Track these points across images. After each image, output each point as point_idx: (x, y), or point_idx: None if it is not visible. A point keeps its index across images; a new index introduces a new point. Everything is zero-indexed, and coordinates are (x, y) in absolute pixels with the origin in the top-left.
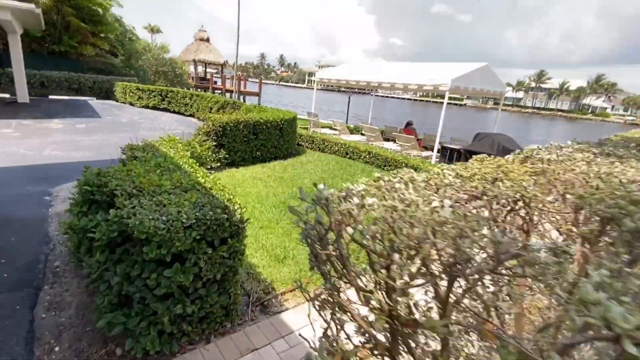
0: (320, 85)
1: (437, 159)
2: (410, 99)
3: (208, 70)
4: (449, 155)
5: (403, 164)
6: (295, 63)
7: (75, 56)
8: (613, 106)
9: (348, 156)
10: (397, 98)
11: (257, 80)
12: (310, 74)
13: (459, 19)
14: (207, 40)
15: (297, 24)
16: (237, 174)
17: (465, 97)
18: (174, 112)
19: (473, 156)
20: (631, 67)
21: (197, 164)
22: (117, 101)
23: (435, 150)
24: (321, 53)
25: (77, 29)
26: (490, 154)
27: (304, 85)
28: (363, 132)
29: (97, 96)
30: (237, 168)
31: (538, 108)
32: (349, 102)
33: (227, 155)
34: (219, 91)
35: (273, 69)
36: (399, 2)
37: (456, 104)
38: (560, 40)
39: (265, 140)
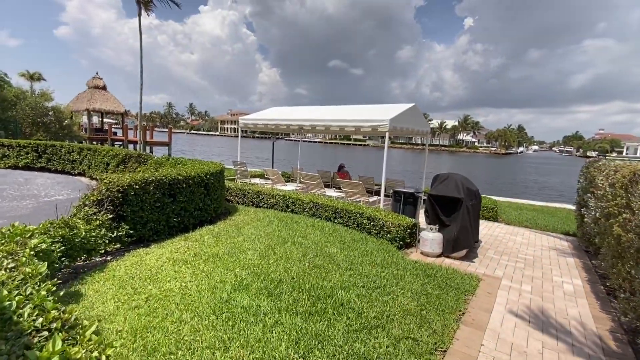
0: (244, 130)
1: (386, 204)
2: (320, 142)
3: (107, 120)
4: (403, 200)
5: (357, 215)
6: (206, 111)
7: None
8: (478, 140)
9: (290, 210)
10: (309, 141)
11: (167, 130)
12: (223, 122)
13: (352, 72)
14: (104, 88)
15: (205, 73)
16: (149, 256)
17: (367, 137)
18: (56, 171)
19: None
20: (482, 109)
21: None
22: None
23: (382, 194)
24: (232, 101)
25: None
26: (458, 197)
27: (217, 133)
28: (302, 180)
29: None
30: (147, 247)
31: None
32: (273, 147)
33: (131, 231)
34: (120, 143)
35: (182, 117)
36: (300, 58)
37: (360, 145)
38: (431, 89)
39: (186, 203)
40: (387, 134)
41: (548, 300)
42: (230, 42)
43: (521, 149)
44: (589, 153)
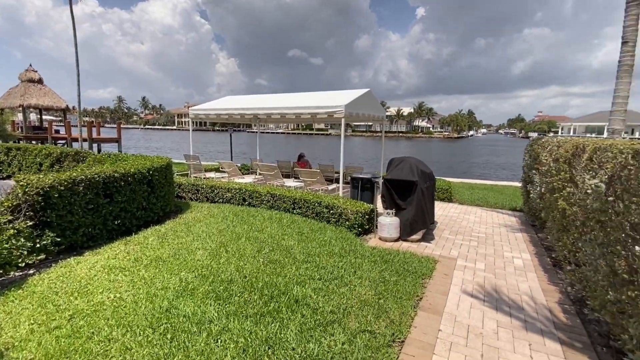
0: (196, 122)
1: (346, 192)
2: (283, 133)
3: (47, 117)
4: (360, 186)
5: (316, 204)
6: (160, 105)
7: None
8: (433, 125)
9: (247, 203)
10: (272, 133)
11: (116, 125)
12: (180, 115)
13: (311, 61)
14: (39, 81)
15: (158, 64)
16: (81, 266)
17: (330, 126)
18: None
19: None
20: (435, 96)
21: None
22: None
23: (341, 182)
24: (189, 94)
25: None
26: (412, 180)
27: (174, 127)
28: (260, 171)
29: None
30: (80, 255)
31: (385, 132)
32: (230, 139)
33: (58, 239)
34: (63, 141)
35: (135, 112)
36: (259, 48)
37: (323, 134)
38: (387, 78)
39: (126, 203)
40: (343, 120)
41: (500, 277)
42: (184, 31)
43: (471, 132)
44: (530, 134)
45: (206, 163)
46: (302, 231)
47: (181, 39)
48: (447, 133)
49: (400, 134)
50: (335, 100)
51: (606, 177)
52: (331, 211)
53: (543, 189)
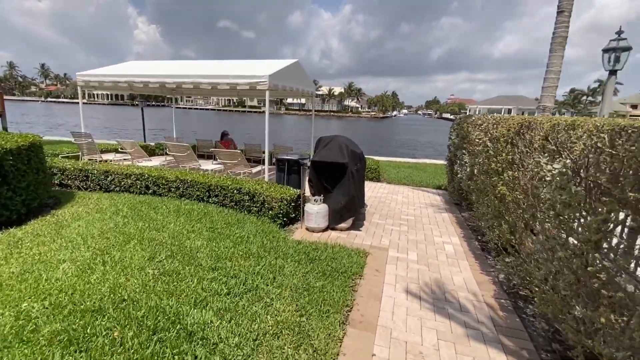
0: (113, 95)
1: (272, 175)
2: (214, 109)
3: None
4: (287, 169)
5: (235, 191)
6: (65, 74)
7: None
8: (361, 105)
9: (151, 191)
10: (201, 109)
11: (14, 97)
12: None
13: (243, 34)
14: None
15: (62, 27)
16: None
17: (262, 103)
18: None
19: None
20: (364, 77)
21: None
22: None
23: (267, 163)
24: (102, 63)
25: None
26: (342, 162)
27: (85, 100)
28: (169, 152)
29: None
30: None
31: (318, 111)
32: (142, 114)
33: None
34: None
35: (33, 81)
36: (185, 15)
37: (257, 112)
38: (320, 57)
39: None
40: (267, 93)
41: (434, 269)
42: None
43: (395, 112)
44: (444, 115)
45: (107, 142)
46: (215, 226)
47: None
48: (373, 113)
49: (332, 113)
50: (258, 69)
51: (570, 162)
52: (253, 199)
53: (476, 171)
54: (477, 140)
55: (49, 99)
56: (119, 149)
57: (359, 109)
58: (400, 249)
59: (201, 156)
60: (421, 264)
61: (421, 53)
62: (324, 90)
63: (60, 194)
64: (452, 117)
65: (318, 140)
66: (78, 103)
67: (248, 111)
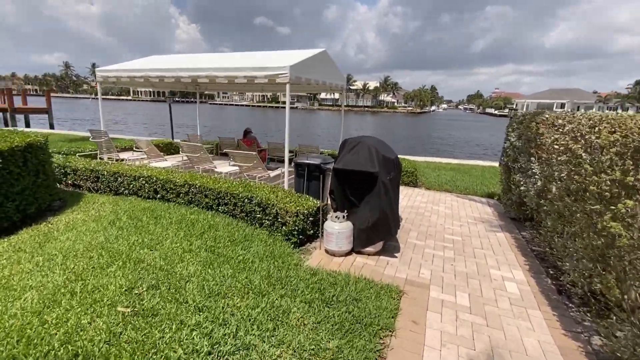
0: (155, 92)
1: (291, 181)
2: (248, 105)
3: None
4: (306, 175)
5: (246, 200)
6: None
7: None
8: (397, 100)
9: (159, 196)
10: (236, 105)
11: (66, 95)
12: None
13: (278, 30)
14: None
15: (111, 28)
16: None
17: (296, 100)
18: None
19: None
20: (401, 71)
21: None
22: None
23: (286, 167)
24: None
25: None
26: (371, 171)
27: (129, 97)
28: (182, 152)
29: None
30: None
31: (351, 106)
32: (170, 110)
33: None
34: None
35: (85, 80)
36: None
37: (290, 108)
38: (355, 51)
39: None
40: (287, 87)
41: (494, 322)
42: None
43: (433, 107)
44: (488, 110)
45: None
46: (216, 244)
47: (136, 1)
48: (410, 108)
49: (366, 109)
50: (279, 60)
51: None
52: (265, 211)
53: (555, 188)
54: (558, 146)
55: (95, 97)
56: (135, 147)
57: (395, 104)
58: (445, 287)
59: (224, 155)
60: (476, 313)
61: (463, 45)
62: (358, 85)
63: (70, 195)
64: (496, 112)
65: (343, 142)
66: (123, 99)
67: (282, 107)
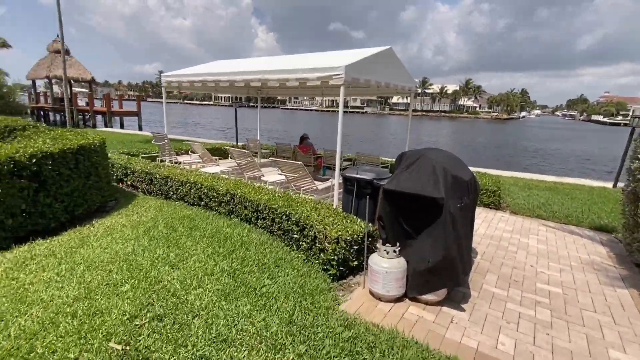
0: (235, 97)
1: (339, 197)
2: (317, 110)
3: (78, 90)
4: (356, 191)
5: (283, 216)
6: None
7: None
8: (480, 105)
9: (203, 203)
10: (306, 110)
11: (160, 100)
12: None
13: (353, 35)
14: (67, 52)
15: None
16: None
17: (365, 104)
18: None
19: None
20: (486, 73)
21: None
22: None
23: (337, 179)
24: None
25: None
26: (433, 196)
27: (210, 102)
28: (231, 157)
29: None
30: None
31: (426, 111)
32: (235, 115)
33: None
34: (86, 114)
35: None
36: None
37: (358, 112)
38: (433, 53)
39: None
40: (342, 89)
41: None
42: (224, 6)
43: (523, 113)
44: (594, 117)
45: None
46: (242, 268)
47: (222, 14)
48: (495, 114)
49: (443, 114)
50: (333, 60)
51: None
52: (303, 231)
53: None
54: None
55: (185, 101)
56: (189, 151)
57: (477, 109)
58: None
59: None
60: None
61: (563, 42)
62: (434, 88)
63: (125, 197)
64: (606, 119)
65: (400, 156)
66: (206, 104)
67: (350, 111)
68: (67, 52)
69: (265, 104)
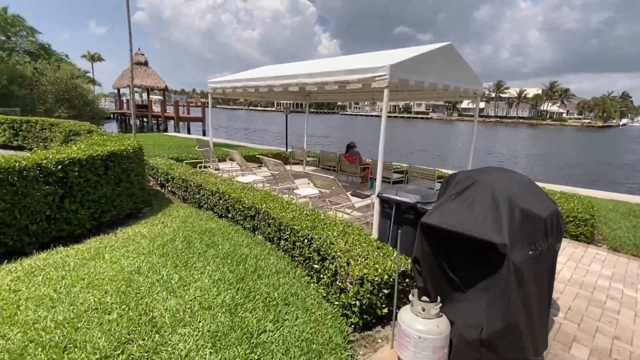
0: (218, 96)
1: (378, 220)
2: (378, 116)
3: (154, 97)
4: (394, 215)
5: (305, 240)
6: None
7: None
8: (568, 111)
9: (230, 216)
10: (366, 115)
11: (229, 107)
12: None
13: (419, 38)
14: (145, 63)
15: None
16: None
17: (431, 109)
18: (31, 150)
19: None
20: (576, 75)
21: None
22: None
23: (376, 196)
24: None
25: None
26: (491, 241)
27: (273, 109)
28: (265, 167)
29: None
30: None
31: (500, 117)
32: (286, 121)
33: None
34: (159, 119)
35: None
36: (362, 27)
37: (422, 118)
38: (511, 53)
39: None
40: (385, 92)
41: None
42: (290, 16)
43: (624, 120)
44: None
45: (246, 145)
46: (246, 302)
47: (287, 23)
48: (587, 121)
49: (521, 120)
50: (376, 60)
51: None
52: (323, 262)
53: None
54: None
55: (250, 108)
56: (228, 159)
57: (564, 115)
58: None
59: (326, 170)
60: None
61: None
62: (511, 92)
63: (160, 203)
64: None
65: (447, 179)
66: (269, 110)
67: (414, 117)
68: (145, 63)
69: (325, 110)
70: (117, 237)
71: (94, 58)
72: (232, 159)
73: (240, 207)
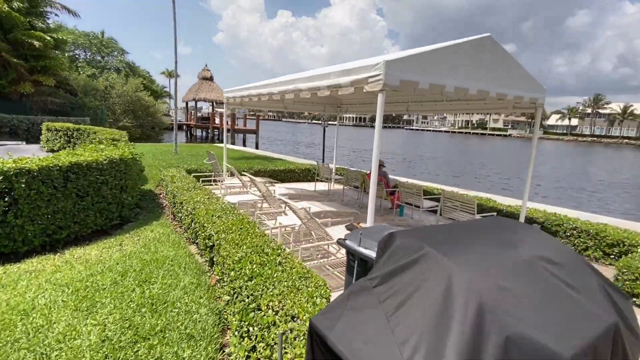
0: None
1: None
2: (447, 132)
3: (219, 110)
4: (357, 271)
5: (248, 297)
6: None
7: (16, 96)
8: None
9: (197, 242)
10: (434, 131)
11: (293, 120)
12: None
13: None
14: (210, 78)
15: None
16: None
17: (510, 126)
18: None
19: None
20: None
21: None
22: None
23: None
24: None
25: (9, 65)
26: None
27: (335, 122)
28: (256, 184)
29: (29, 140)
30: None
31: (598, 136)
32: (324, 133)
33: None
34: (217, 130)
35: None
36: (434, 39)
37: (499, 135)
38: (615, 65)
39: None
40: (380, 96)
41: None
42: (359, 31)
43: None
44: None
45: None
46: None
47: (356, 38)
48: None
49: (625, 141)
50: (377, 59)
51: None
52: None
53: None
54: None
55: (312, 122)
56: (229, 174)
57: None
58: None
59: (353, 190)
60: None
61: None
62: (613, 107)
63: (147, 218)
64: None
65: (385, 240)
66: (331, 124)
67: (489, 134)
68: (211, 78)
69: (390, 124)
70: (55, 260)
71: (171, 75)
72: (231, 174)
73: (203, 234)
